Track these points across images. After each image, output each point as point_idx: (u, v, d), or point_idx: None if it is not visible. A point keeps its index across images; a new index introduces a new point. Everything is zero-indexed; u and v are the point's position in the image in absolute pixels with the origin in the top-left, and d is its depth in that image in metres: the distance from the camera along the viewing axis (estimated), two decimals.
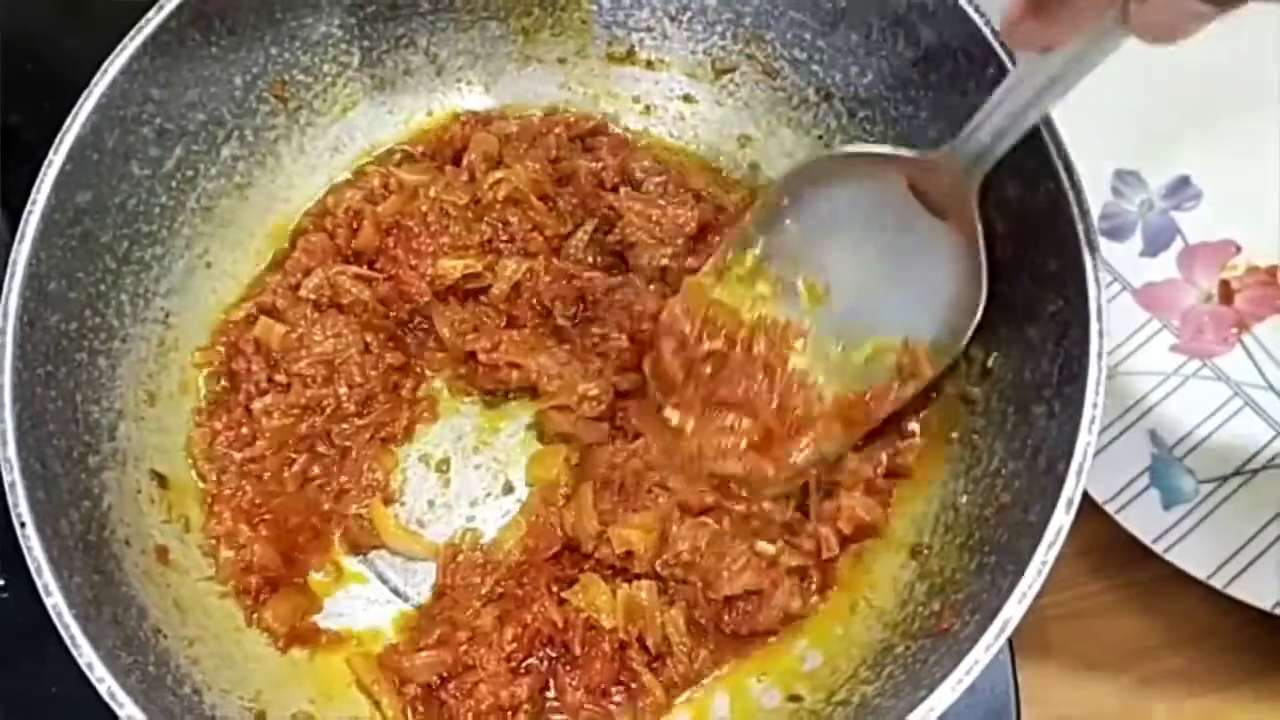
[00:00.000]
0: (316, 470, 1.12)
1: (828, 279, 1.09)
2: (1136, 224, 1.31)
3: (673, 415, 1.11)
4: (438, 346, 1.16)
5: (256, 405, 1.12)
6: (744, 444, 1.09)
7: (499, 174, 1.18)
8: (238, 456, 1.11)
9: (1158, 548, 1.16)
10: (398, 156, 1.25)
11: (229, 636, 1.05)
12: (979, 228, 0.98)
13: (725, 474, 1.09)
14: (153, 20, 1.05)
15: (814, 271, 1.09)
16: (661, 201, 1.18)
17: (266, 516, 1.10)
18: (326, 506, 1.12)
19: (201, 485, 1.11)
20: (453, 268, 1.14)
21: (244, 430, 1.12)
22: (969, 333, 1.03)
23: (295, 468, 1.12)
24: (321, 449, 1.13)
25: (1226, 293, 1.29)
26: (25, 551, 0.91)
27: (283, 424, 1.11)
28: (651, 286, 1.16)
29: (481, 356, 1.13)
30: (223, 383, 1.15)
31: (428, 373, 1.17)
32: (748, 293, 1.11)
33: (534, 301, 1.15)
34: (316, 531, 1.11)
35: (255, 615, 1.07)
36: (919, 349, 1.05)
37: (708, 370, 1.10)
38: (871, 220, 1.05)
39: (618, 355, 1.13)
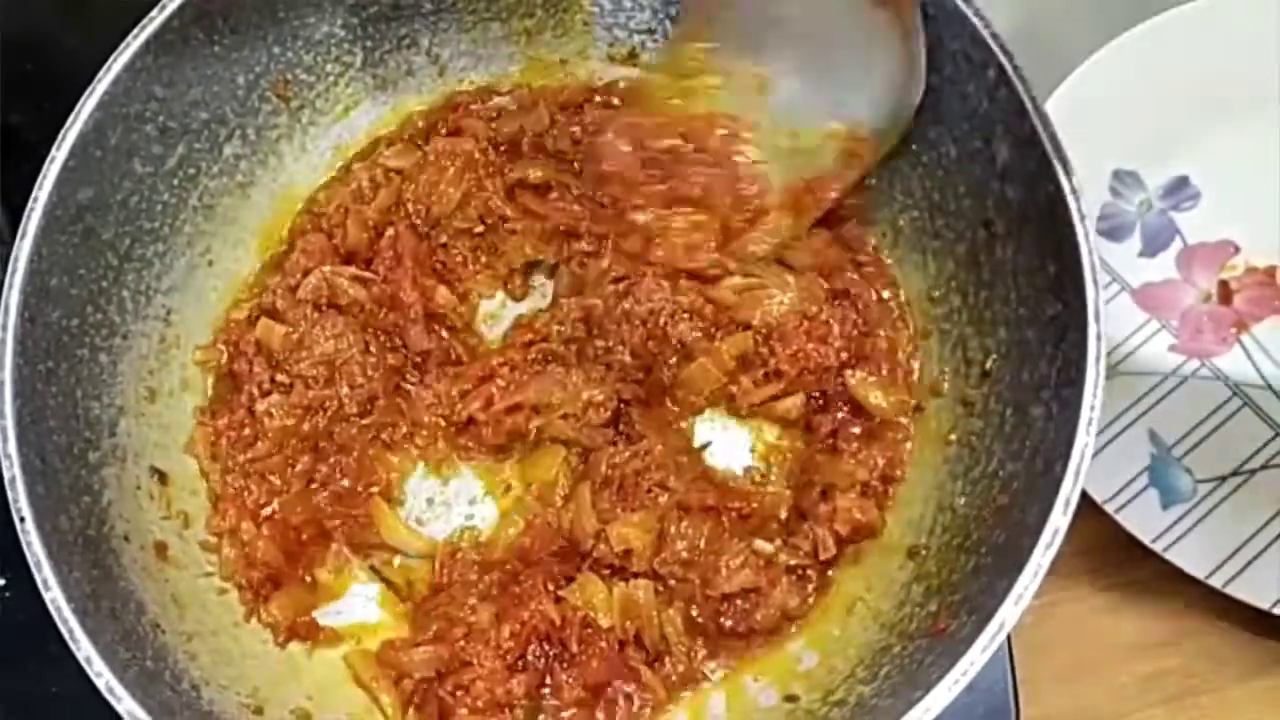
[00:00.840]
0: (319, 470, 1.12)
1: (771, 68, 1.12)
2: (1135, 224, 1.31)
3: (638, 215, 1.13)
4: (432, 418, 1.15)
5: (259, 406, 1.12)
6: (709, 240, 1.13)
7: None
8: (241, 458, 1.11)
9: (1156, 547, 1.17)
10: (385, 142, 1.25)
11: (227, 632, 1.06)
12: (918, 16, 1.02)
13: (692, 268, 1.12)
14: (156, 18, 1.05)
15: (759, 60, 1.12)
16: None
17: (272, 515, 1.10)
18: (328, 505, 1.12)
19: (206, 483, 1.12)
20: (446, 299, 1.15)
21: (246, 431, 1.12)
22: (908, 120, 1.08)
23: (299, 468, 1.12)
24: (324, 448, 1.12)
25: (1225, 293, 1.29)
26: (25, 546, 0.91)
27: (285, 425, 1.11)
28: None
29: (480, 417, 1.11)
30: (225, 383, 1.16)
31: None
32: (697, 86, 1.14)
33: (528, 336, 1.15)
34: (320, 529, 1.11)
35: (257, 609, 1.08)
36: (861, 133, 1.09)
37: (663, 169, 1.14)
38: (813, 6, 1.08)
39: (621, 367, 1.12)
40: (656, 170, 1.14)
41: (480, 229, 1.18)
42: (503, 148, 1.20)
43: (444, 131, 1.21)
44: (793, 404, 1.12)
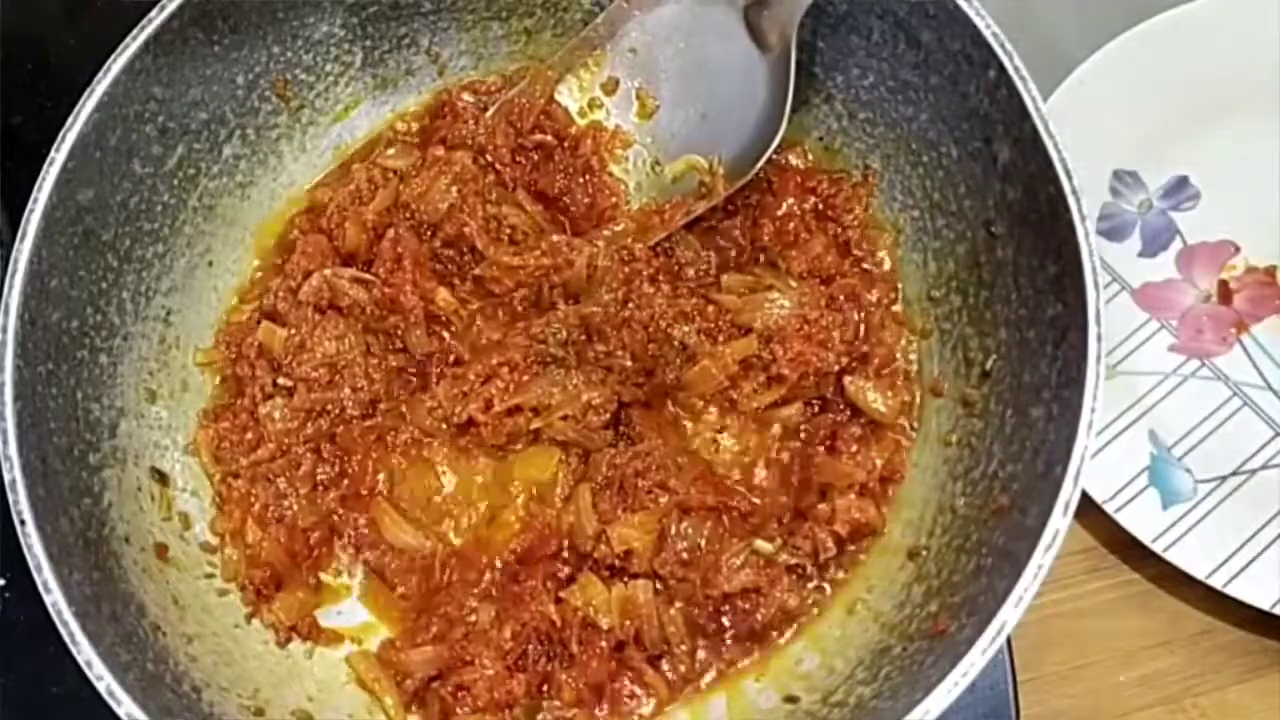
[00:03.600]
0: (321, 472, 1.12)
1: (659, 94, 1.19)
2: (1135, 224, 1.31)
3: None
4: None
5: (262, 410, 1.12)
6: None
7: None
8: (244, 460, 1.11)
9: (1156, 547, 1.17)
10: (384, 142, 1.25)
11: (228, 634, 1.06)
12: (793, 66, 1.09)
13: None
14: (155, 19, 1.05)
15: (648, 82, 1.19)
16: None
17: (279, 518, 1.10)
18: (330, 506, 1.11)
19: (210, 486, 1.12)
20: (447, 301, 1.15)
21: (249, 434, 1.12)
22: (762, 160, 1.13)
23: (302, 470, 1.11)
24: (325, 450, 1.12)
25: (1225, 293, 1.29)
26: (25, 549, 0.91)
27: (288, 428, 1.11)
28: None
29: (480, 418, 1.11)
30: (228, 385, 1.15)
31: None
32: (585, 94, 1.20)
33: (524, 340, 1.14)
34: (328, 532, 1.12)
35: (260, 610, 1.08)
36: (720, 170, 1.16)
37: (534, 158, 1.19)
38: (706, 39, 1.14)
39: (621, 370, 1.11)
40: (524, 160, 1.19)
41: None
42: (490, 173, 1.19)
43: (439, 139, 1.21)
44: (793, 411, 1.11)
